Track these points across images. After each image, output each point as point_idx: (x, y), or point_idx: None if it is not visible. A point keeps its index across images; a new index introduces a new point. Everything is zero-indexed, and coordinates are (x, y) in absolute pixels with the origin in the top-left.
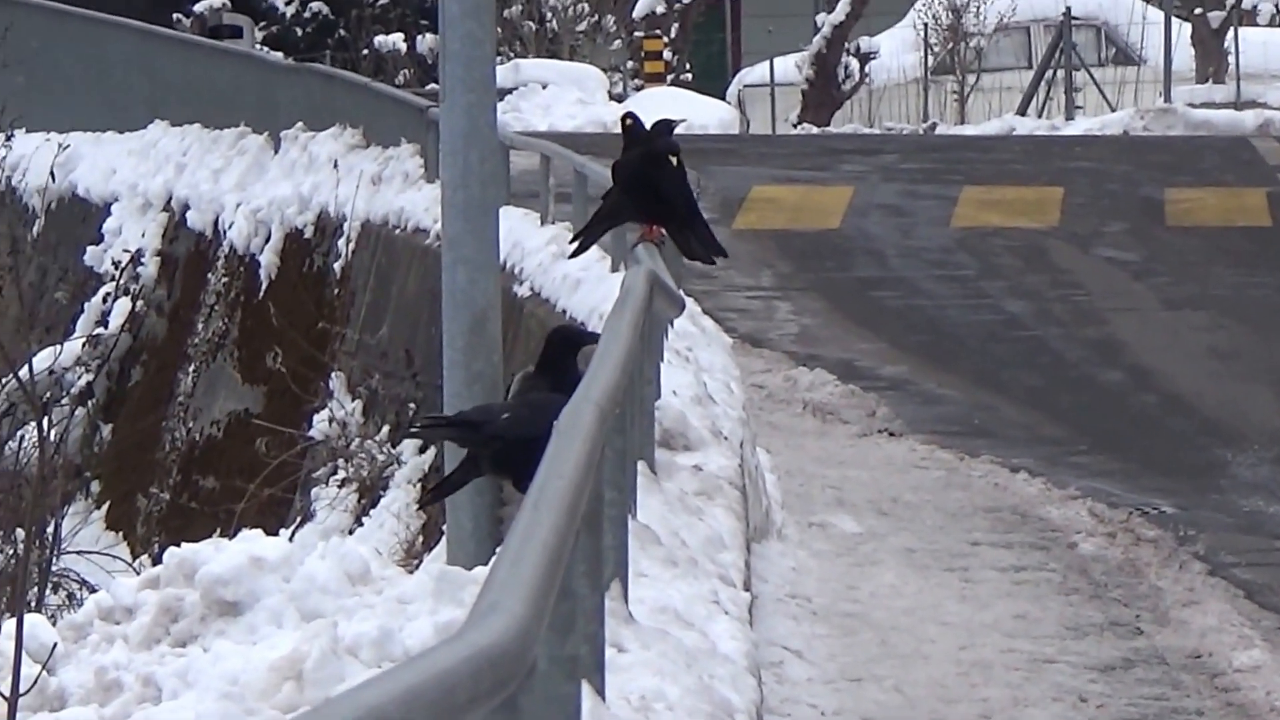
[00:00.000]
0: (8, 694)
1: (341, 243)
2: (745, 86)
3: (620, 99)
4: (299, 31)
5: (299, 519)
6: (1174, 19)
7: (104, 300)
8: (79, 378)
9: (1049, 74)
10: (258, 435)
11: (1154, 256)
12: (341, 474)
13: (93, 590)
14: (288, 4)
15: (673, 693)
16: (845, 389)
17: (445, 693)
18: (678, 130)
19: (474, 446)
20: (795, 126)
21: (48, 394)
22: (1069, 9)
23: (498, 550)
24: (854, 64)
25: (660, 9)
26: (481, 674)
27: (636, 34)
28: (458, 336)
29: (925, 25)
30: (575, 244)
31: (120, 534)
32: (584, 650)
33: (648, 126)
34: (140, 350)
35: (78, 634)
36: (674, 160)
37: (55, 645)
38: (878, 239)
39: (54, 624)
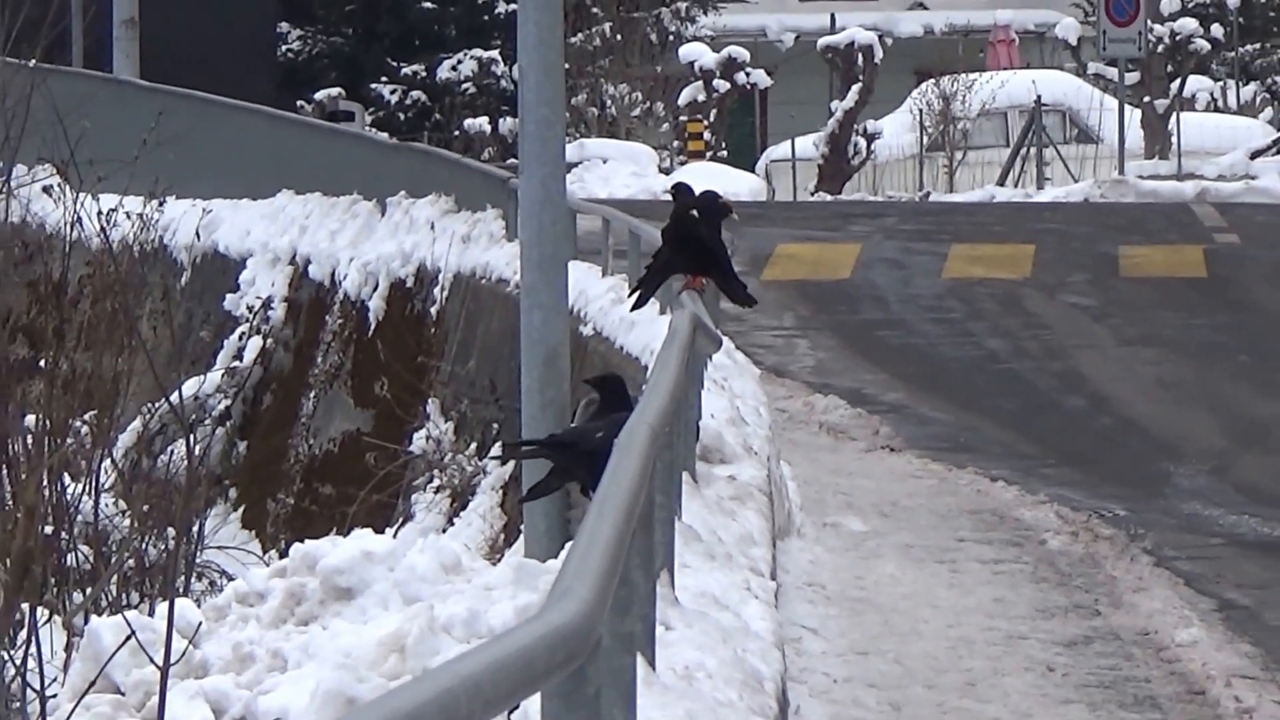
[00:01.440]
0: (160, 664)
1: (437, 291)
2: (771, 161)
3: (668, 172)
4: (402, 116)
5: (401, 520)
6: (1127, 105)
7: (240, 339)
8: (219, 403)
9: (1023, 151)
10: (367, 450)
11: (1110, 302)
12: (436, 482)
13: (231, 579)
14: (392, 93)
15: (711, 663)
16: (854, 412)
17: (526, 664)
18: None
19: (570, 461)
20: (812, 195)
21: (193, 416)
22: (1039, 97)
23: (568, 545)
24: (862, 143)
25: (701, 97)
26: (556, 648)
27: (681, 118)
28: (533, 369)
29: (920, 111)
30: (634, 298)
31: (253, 532)
32: (638, 628)
33: (695, 193)
34: (270, 380)
35: (218, 615)
36: (695, 213)
37: (200, 624)
38: (881, 288)
39: (198, 607)
